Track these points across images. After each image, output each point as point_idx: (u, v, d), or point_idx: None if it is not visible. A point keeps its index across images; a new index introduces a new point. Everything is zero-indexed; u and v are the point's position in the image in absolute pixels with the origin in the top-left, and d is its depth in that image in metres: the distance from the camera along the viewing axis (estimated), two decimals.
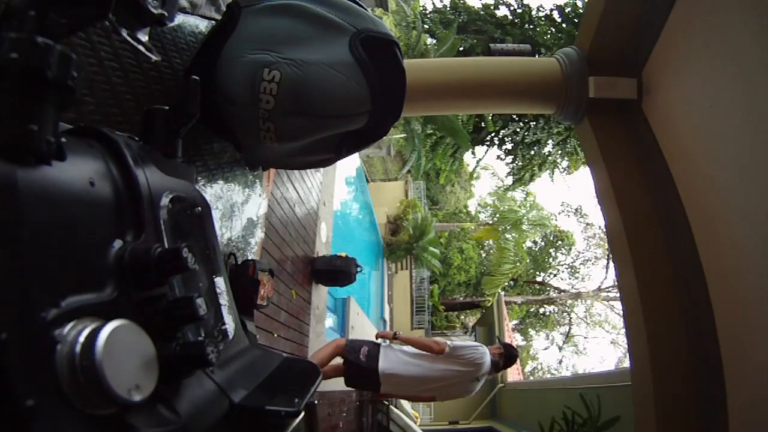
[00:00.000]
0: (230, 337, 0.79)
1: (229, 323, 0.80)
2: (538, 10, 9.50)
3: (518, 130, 9.46)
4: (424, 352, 2.90)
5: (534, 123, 9.22)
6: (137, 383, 0.47)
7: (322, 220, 4.67)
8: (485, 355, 2.90)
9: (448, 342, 2.96)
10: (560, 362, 22.28)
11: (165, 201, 0.67)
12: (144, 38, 0.73)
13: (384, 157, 11.70)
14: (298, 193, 3.83)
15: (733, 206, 2.02)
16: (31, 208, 0.43)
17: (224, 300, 0.80)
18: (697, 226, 2.25)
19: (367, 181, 10.77)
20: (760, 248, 1.82)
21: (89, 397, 0.43)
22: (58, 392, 0.42)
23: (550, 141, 9.54)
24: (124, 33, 0.69)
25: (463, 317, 19.34)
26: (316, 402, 0.86)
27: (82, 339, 0.43)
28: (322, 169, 4.52)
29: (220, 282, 0.81)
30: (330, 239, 5.08)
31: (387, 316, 10.33)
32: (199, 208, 0.78)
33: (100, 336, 0.44)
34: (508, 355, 3.04)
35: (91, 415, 0.44)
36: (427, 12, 10.38)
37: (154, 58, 0.82)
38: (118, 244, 0.55)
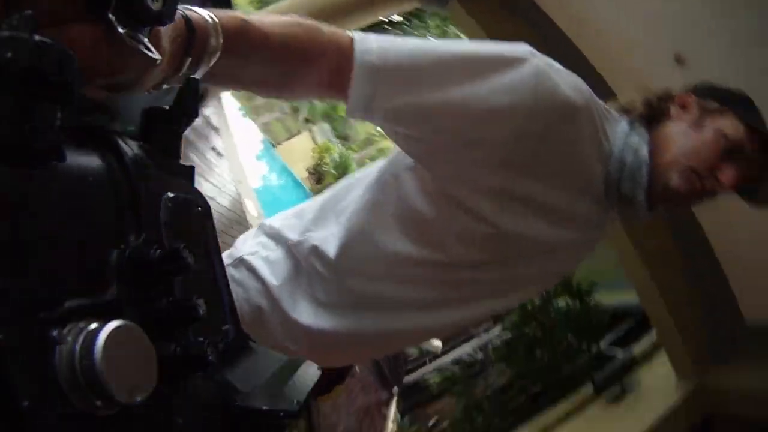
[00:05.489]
0: (230, 337, 0.79)
1: (229, 323, 0.80)
2: None
3: None
4: None
5: None
6: (137, 383, 0.47)
7: (245, 198, 4.76)
8: None
9: None
10: None
11: (165, 201, 0.67)
12: (144, 38, 0.73)
13: (279, 116, 11.61)
14: (211, 183, 3.90)
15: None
16: (29, 209, 0.43)
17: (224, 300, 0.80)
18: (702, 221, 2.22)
19: (273, 146, 10.82)
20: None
21: (89, 398, 0.43)
22: (57, 393, 0.42)
23: None
24: (124, 33, 0.69)
25: None
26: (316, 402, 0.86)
27: (81, 339, 0.43)
28: (224, 155, 4.73)
29: (220, 282, 0.81)
30: (261, 212, 5.19)
31: None
32: (199, 208, 0.78)
33: (100, 336, 0.44)
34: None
35: (91, 416, 0.44)
36: None
37: (154, 57, 0.82)
38: (118, 244, 0.55)
